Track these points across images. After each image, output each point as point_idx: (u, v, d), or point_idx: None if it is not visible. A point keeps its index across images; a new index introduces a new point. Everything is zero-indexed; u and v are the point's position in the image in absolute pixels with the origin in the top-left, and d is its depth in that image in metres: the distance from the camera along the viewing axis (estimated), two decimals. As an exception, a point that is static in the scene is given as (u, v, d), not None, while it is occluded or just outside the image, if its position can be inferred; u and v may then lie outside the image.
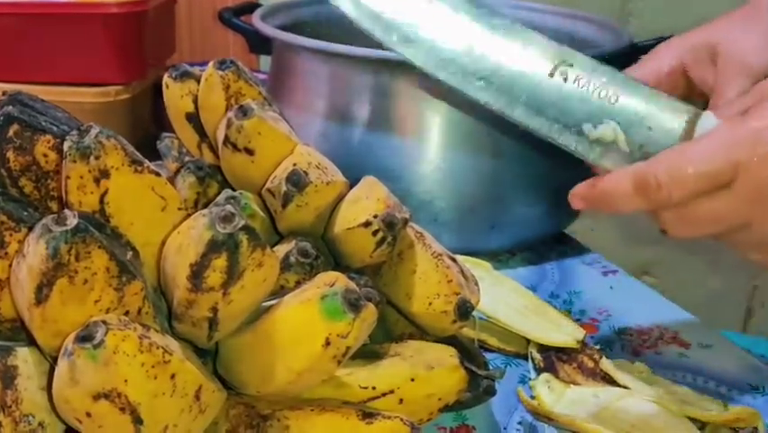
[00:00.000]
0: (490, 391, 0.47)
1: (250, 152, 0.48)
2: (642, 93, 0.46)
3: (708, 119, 0.44)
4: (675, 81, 0.54)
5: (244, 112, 0.47)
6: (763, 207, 0.42)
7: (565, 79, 0.45)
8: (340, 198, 0.49)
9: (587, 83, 0.45)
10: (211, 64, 0.51)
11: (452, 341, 0.48)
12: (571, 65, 0.45)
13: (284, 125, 0.50)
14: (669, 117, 0.45)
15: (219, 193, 0.50)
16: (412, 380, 0.43)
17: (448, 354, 0.45)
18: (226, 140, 0.48)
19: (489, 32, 0.46)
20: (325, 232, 0.49)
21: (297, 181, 0.46)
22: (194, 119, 0.53)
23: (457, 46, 0.46)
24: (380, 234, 0.46)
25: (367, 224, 0.46)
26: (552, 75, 0.45)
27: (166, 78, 0.53)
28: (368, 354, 0.44)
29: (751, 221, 0.43)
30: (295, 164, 0.47)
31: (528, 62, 0.45)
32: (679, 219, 0.44)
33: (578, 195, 0.47)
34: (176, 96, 0.53)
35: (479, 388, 0.46)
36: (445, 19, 0.45)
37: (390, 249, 0.47)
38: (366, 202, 0.47)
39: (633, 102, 0.45)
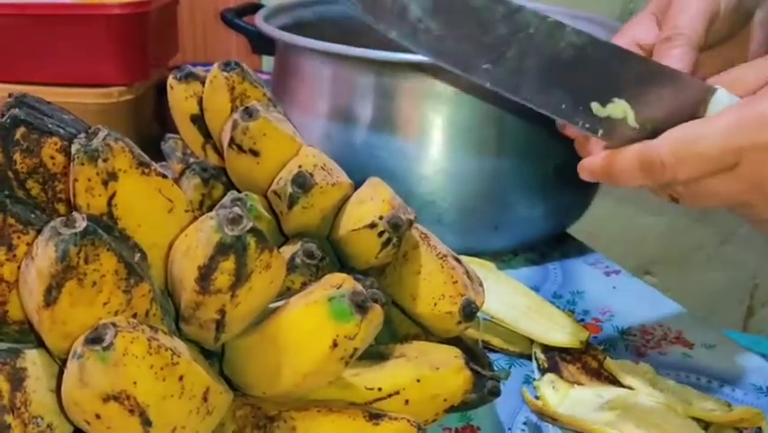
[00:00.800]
0: (495, 392, 0.47)
1: (255, 153, 0.48)
2: (654, 69, 0.44)
3: (721, 96, 0.43)
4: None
5: (250, 113, 0.48)
6: (762, 193, 0.43)
7: (573, 56, 0.43)
8: (345, 200, 0.49)
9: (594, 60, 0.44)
10: (216, 65, 0.51)
11: (456, 342, 0.48)
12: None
13: (289, 127, 0.50)
14: (681, 94, 0.44)
15: (224, 195, 0.50)
16: (418, 381, 0.43)
17: (453, 355, 0.45)
18: (232, 141, 0.48)
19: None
20: (331, 233, 0.49)
21: (303, 183, 0.47)
22: (198, 120, 0.53)
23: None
24: (386, 236, 0.46)
25: (372, 225, 0.46)
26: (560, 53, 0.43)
27: (170, 80, 0.53)
28: (373, 355, 0.44)
29: (753, 203, 0.44)
30: (300, 166, 0.47)
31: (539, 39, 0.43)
32: (687, 193, 0.45)
33: (586, 168, 0.47)
34: (180, 97, 0.53)
35: (483, 389, 0.46)
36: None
37: (395, 250, 0.47)
38: (371, 203, 0.47)
39: (644, 78, 0.44)
